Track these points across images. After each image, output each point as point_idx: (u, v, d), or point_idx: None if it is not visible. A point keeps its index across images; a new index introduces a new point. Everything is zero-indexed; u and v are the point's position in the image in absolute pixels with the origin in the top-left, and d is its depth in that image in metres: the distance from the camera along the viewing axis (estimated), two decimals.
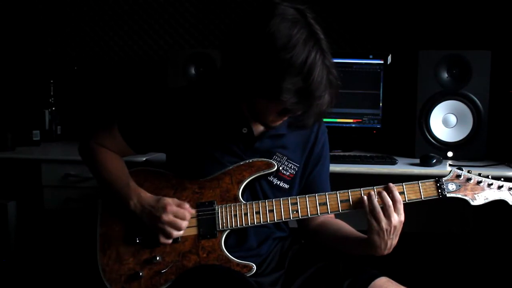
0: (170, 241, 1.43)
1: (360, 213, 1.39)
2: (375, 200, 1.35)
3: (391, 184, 1.38)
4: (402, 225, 1.35)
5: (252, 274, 1.41)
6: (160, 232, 1.42)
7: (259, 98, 1.31)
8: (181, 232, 1.42)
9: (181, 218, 1.40)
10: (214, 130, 1.46)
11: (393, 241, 1.35)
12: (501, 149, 2.26)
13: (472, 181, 1.42)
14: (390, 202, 1.34)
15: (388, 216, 1.33)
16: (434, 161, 2.03)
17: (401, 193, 1.38)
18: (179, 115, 1.46)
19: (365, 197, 1.37)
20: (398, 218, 1.34)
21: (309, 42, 1.23)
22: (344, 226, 1.52)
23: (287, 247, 1.57)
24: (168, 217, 1.39)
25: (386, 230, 1.33)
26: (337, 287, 1.39)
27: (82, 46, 2.79)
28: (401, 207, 1.35)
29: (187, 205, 1.43)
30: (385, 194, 1.36)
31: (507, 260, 2.39)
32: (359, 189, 1.41)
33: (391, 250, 1.37)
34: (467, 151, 2.19)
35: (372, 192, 1.37)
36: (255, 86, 1.28)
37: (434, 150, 2.17)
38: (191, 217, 1.44)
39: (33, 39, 2.81)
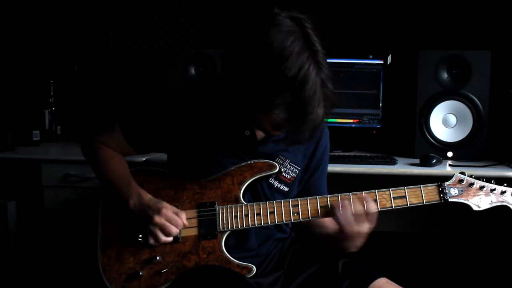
0: (158, 244, 1.42)
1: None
2: (348, 210, 1.37)
3: (365, 195, 1.39)
4: (371, 230, 1.39)
5: (252, 275, 1.41)
6: (149, 232, 1.42)
7: (254, 110, 1.30)
8: (169, 239, 1.41)
9: (174, 224, 1.40)
10: (216, 131, 1.46)
11: (361, 242, 1.40)
12: (501, 149, 2.26)
13: (474, 186, 1.41)
14: (363, 212, 1.37)
15: (359, 224, 1.36)
16: (434, 161, 2.03)
17: (403, 196, 1.39)
18: (181, 116, 1.46)
19: (340, 205, 1.38)
20: (368, 225, 1.37)
21: (303, 54, 1.20)
22: (327, 222, 1.54)
23: (287, 247, 1.57)
24: (160, 219, 1.39)
25: (355, 236, 1.37)
26: (336, 287, 1.39)
27: (82, 46, 2.79)
28: (374, 217, 1.38)
29: (183, 215, 1.42)
30: (358, 204, 1.37)
31: (506, 261, 2.40)
32: (348, 193, 1.41)
33: (359, 248, 1.42)
34: (467, 151, 2.19)
35: (347, 202, 1.39)
36: (248, 99, 1.27)
37: (434, 150, 2.17)
38: (192, 218, 1.44)
39: (33, 39, 2.81)
